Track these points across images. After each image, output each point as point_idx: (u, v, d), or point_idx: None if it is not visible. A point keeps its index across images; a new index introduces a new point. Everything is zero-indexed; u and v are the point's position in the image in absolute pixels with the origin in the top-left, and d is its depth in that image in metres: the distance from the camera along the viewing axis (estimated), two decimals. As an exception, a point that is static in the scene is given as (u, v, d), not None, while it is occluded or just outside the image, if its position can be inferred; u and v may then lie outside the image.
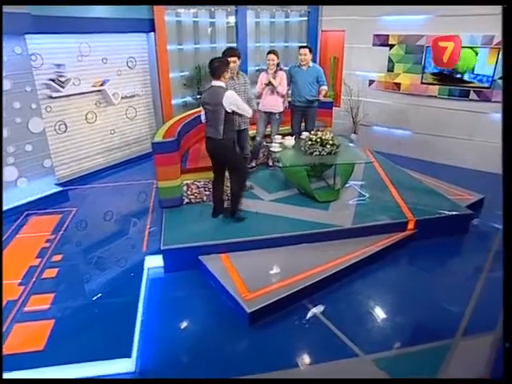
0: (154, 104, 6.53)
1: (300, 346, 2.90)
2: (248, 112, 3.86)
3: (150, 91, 6.43)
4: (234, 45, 6.65)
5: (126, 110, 6.16)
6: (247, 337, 2.99)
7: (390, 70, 6.61)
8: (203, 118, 3.96)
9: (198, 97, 6.71)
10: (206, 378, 2.60)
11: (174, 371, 2.68)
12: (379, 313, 3.22)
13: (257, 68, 7.05)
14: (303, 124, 5.58)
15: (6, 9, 4.06)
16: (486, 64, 5.68)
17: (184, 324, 3.15)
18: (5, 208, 4.58)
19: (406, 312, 3.21)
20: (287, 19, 7.02)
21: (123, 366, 2.68)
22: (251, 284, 3.33)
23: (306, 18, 6.95)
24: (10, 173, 4.70)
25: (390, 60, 6.57)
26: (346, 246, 3.85)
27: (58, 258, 3.85)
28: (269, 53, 5.04)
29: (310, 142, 4.64)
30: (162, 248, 3.70)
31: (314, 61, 7.13)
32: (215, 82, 3.70)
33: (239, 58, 4.49)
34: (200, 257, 3.72)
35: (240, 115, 4.10)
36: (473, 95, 5.92)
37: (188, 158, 4.48)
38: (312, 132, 4.74)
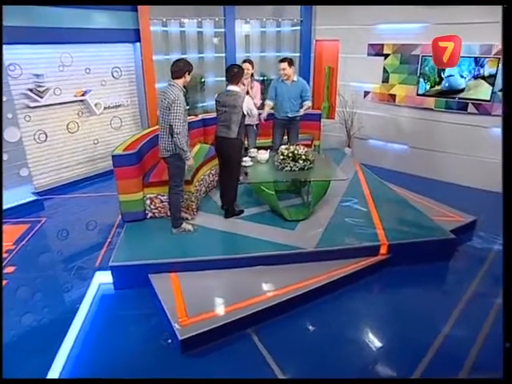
0: (140, 114, 6.50)
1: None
2: (254, 116, 4.33)
3: (137, 101, 6.40)
4: (223, 55, 6.55)
5: (111, 120, 6.15)
6: (174, 366, 2.77)
7: (385, 80, 6.28)
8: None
9: (187, 107, 6.63)
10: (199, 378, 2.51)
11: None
12: (328, 349, 2.92)
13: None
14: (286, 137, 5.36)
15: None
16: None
17: (116, 346, 2.97)
18: (-24, 216, 4.62)
19: (357, 349, 2.89)
20: (278, 28, 6.84)
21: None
22: (192, 308, 3.12)
23: (298, 28, 6.74)
24: (-17, 181, 4.75)
25: (384, 70, 6.25)
26: (306, 271, 3.57)
27: (10, 269, 3.79)
28: (243, 62, 4.87)
29: (281, 157, 4.42)
30: (110, 264, 3.57)
31: (307, 71, 7.00)
32: (233, 87, 3.99)
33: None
34: (150, 275, 3.56)
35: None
36: (471, 108, 5.51)
37: (153, 171, 4.36)
38: (284, 146, 4.52)
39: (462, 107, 5.59)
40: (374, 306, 3.40)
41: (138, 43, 5.96)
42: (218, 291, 3.38)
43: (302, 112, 4.93)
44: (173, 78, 3.60)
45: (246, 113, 3.98)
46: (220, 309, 3.15)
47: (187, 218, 4.21)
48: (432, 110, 5.90)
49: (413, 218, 4.36)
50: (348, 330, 3.09)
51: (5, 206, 4.86)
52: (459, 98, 5.56)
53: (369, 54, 6.38)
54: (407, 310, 3.33)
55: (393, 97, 6.26)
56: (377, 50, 6.27)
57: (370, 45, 6.32)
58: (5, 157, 4.85)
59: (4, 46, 4.64)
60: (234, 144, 4.06)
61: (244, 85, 4.06)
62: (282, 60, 4.85)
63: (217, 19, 6.35)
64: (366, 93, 6.60)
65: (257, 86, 4.88)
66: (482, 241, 4.31)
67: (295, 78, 4.91)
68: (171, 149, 3.69)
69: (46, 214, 4.95)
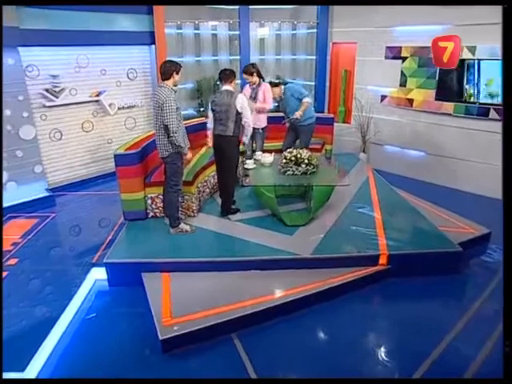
0: (156, 115, 6.60)
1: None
2: (247, 118, 4.09)
3: (151, 102, 6.51)
4: (238, 57, 6.56)
5: (125, 121, 6.29)
6: (154, 366, 2.76)
7: (403, 84, 6.06)
8: (210, 124, 4.27)
9: (201, 110, 6.69)
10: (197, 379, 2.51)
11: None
12: (309, 361, 2.79)
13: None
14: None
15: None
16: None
17: (101, 341, 3.00)
18: (-9, 209, 4.84)
19: (339, 364, 2.76)
20: (294, 31, 6.76)
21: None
22: (178, 309, 3.10)
23: (314, 30, 6.63)
24: (-1, 176, 4.97)
25: (402, 74, 6.03)
26: (299, 278, 3.45)
27: (13, 261, 3.93)
28: (246, 72, 4.92)
29: (284, 161, 4.34)
30: (104, 261, 3.63)
31: (323, 74, 6.89)
32: (227, 87, 4.12)
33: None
34: (142, 274, 3.58)
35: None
36: (493, 114, 5.19)
37: (155, 172, 4.40)
38: (288, 150, 4.44)
39: (483, 113, 5.28)
40: (365, 318, 3.23)
41: (153, 45, 6.08)
42: (206, 293, 3.32)
43: (299, 113, 4.78)
44: (162, 80, 3.65)
45: (239, 110, 4.03)
46: (206, 311, 3.09)
47: (182, 219, 4.19)
48: (451, 115, 5.62)
49: (419, 227, 4.15)
50: (333, 343, 2.97)
51: (18, 201, 5.07)
52: (480, 104, 5.27)
53: (386, 57, 6.18)
54: (400, 324, 3.15)
55: (410, 101, 6.03)
56: (394, 53, 6.06)
57: (387, 47, 6.12)
58: (20, 154, 5.06)
59: (23, 48, 4.89)
60: (229, 141, 4.12)
61: (234, 84, 4.21)
62: (274, 86, 4.99)
63: (231, 22, 6.36)
64: (383, 97, 6.39)
65: (264, 89, 4.86)
66: (495, 255, 4.03)
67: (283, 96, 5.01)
68: (168, 148, 3.72)
69: (55, 209, 5.11)
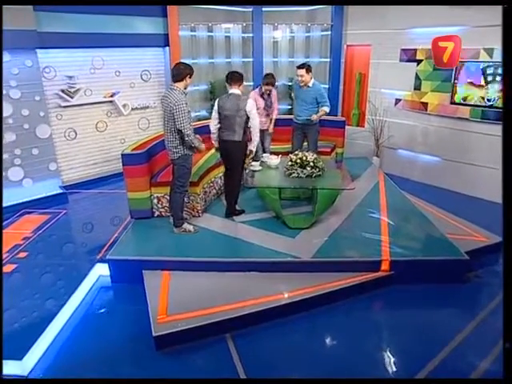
0: (169, 116, 6.70)
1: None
2: (255, 123, 3.98)
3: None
4: (251, 59, 6.59)
5: (139, 121, 6.41)
6: (146, 362, 2.78)
7: (417, 88, 5.92)
8: (214, 127, 4.14)
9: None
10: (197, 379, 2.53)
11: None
12: (301, 366, 2.76)
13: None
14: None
15: (15, 26, 4.54)
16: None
17: (98, 336, 3.07)
18: (7, 204, 5.02)
19: (331, 370, 2.71)
20: (308, 34, 6.73)
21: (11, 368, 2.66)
22: (175, 307, 3.13)
23: (328, 33, 6.58)
24: (16, 173, 5.15)
25: (417, 77, 5.90)
26: (298, 281, 3.42)
27: (23, 255, 4.06)
28: (266, 84, 5.00)
29: (289, 163, 4.32)
30: (107, 257, 3.70)
31: (337, 77, 6.81)
32: (234, 90, 3.99)
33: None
34: (143, 271, 3.63)
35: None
36: None
37: (162, 172, 4.47)
38: (295, 152, 4.42)
39: (501, 117, 5.09)
40: (363, 324, 3.16)
41: (167, 47, 6.18)
42: (204, 293, 3.33)
43: (315, 117, 4.77)
44: (174, 82, 3.64)
45: (249, 115, 3.94)
46: (202, 310, 3.10)
47: (186, 219, 4.24)
48: (467, 119, 5.46)
49: (425, 234, 4.04)
50: (327, 348, 2.92)
51: (33, 197, 5.25)
52: (497, 108, 5.09)
53: (401, 60, 6.06)
54: (398, 331, 3.07)
55: (425, 105, 5.88)
56: (409, 56, 5.94)
57: (402, 50, 6.00)
58: (35, 151, 5.24)
59: (41, 50, 5.07)
60: (238, 146, 4.08)
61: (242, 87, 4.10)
62: (300, 66, 4.76)
63: (245, 24, 6.40)
64: (398, 100, 6.27)
65: (274, 95, 5.04)
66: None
67: (310, 84, 4.82)
68: (179, 150, 3.76)
69: (68, 206, 5.26)
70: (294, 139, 5.24)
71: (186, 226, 4.08)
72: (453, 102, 5.51)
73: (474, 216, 4.61)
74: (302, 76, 4.73)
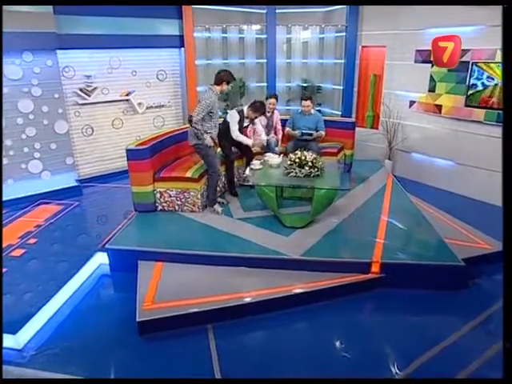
0: (183, 115, 6.90)
1: (164, 371, 2.68)
2: (234, 133, 4.64)
3: (180, 103, 6.82)
4: (264, 61, 6.66)
5: (154, 119, 6.64)
6: (128, 345, 2.92)
7: (431, 89, 5.76)
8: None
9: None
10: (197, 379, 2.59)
11: (49, 361, 2.78)
12: (277, 363, 2.77)
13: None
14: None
15: (37, 29, 4.87)
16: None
17: (89, 320, 3.22)
18: (27, 194, 5.38)
19: (306, 370, 2.72)
20: (322, 35, 6.71)
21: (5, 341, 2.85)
22: (161, 296, 3.25)
23: (343, 34, 6.53)
24: (35, 166, 5.50)
25: (431, 78, 5.74)
26: (285, 279, 3.45)
27: (33, 241, 4.34)
28: (270, 97, 5.42)
29: (289, 162, 4.35)
30: (106, 246, 3.89)
31: (351, 79, 6.76)
32: (247, 113, 4.76)
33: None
34: (139, 261, 3.78)
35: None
36: (527, 123, 4.77)
37: (166, 168, 4.62)
38: (295, 151, 4.44)
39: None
40: (344, 325, 3.13)
41: (182, 48, 6.37)
42: (192, 284, 3.42)
43: (315, 134, 5.39)
44: (213, 84, 4.23)
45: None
46: (186, 300, 3.20)
47: (223, 203, 4.70)
48: (481, 122, 5.25)
49: (423, 238, 3.95)
50: (303, 346, 2.92)
51: (49, 189, 5.57)
52: (512, 111, 4.86)
53: (416, 61, 5.92)
54: (378, 335, 3.02)
55: (439, 107, 5.71)
56: (424, 57, 5.78)
57: (417, 51, 5.86)
58: (53, 146, 5.56)
59: (61, 51, 5.39)
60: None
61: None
62: (306, 99, 5.48)
63: (259, 26, 6.48)
64: (412, 102, 6.13)
65: (277, 116, 5.45)
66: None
67: (312, 111, 5.56)
68: (192, 139, 4.30)
69: (81, 199, 5.54)
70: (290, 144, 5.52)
71: (216, 206, 4.52)
72: (468, 105, 5.34)
73: (483, 223, 4.44)
74: (308, 106, 5.47)
